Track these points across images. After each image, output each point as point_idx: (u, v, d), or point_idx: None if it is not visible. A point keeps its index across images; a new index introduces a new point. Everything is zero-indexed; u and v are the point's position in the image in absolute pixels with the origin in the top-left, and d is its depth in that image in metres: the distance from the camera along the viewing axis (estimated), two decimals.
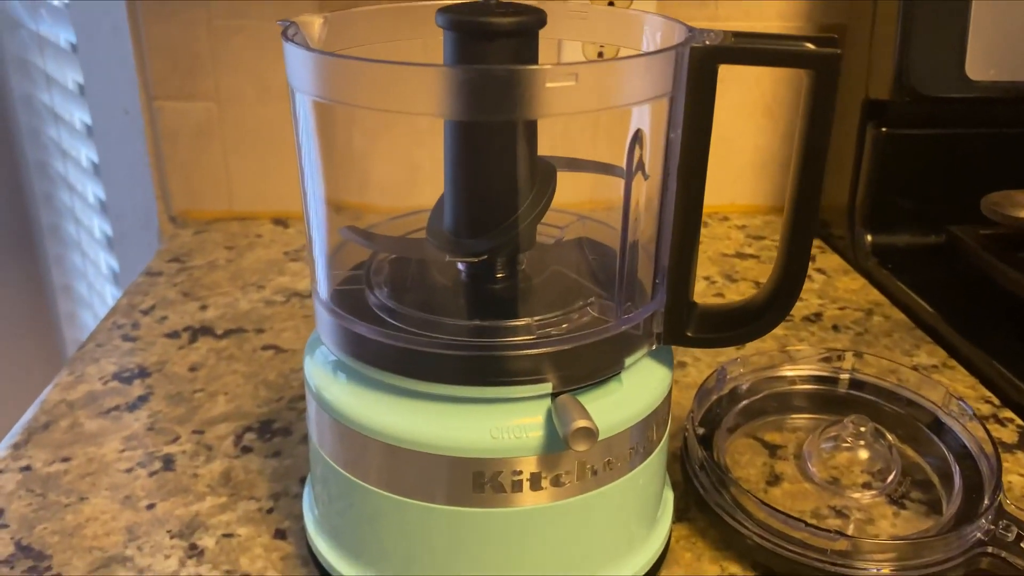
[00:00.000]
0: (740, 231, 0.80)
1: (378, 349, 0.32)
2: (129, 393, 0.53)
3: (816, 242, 0.78)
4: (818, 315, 0.64)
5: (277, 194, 0.80)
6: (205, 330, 0.61)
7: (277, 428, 0.50)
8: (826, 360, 0.51)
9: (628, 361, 0.33)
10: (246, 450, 0.48)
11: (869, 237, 0.72)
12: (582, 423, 0.29)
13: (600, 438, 0.31)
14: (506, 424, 0.31)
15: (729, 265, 0.72)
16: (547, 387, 0.32)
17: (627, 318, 0.33)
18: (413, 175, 0.37)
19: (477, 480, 0.32)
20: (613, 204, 0.41)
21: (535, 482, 0.32)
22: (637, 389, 0.34)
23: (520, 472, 0.31)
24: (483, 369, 0.32)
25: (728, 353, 0.57)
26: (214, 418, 0.51)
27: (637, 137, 0.30)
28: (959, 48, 0.66)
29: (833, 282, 0.70)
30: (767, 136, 0.81)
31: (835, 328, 0.62)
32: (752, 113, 0.80)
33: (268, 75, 0.76)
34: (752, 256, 0.74)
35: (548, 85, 0.26)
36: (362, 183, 0.37)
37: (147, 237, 0.86)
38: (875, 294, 0.68)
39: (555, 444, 0.31)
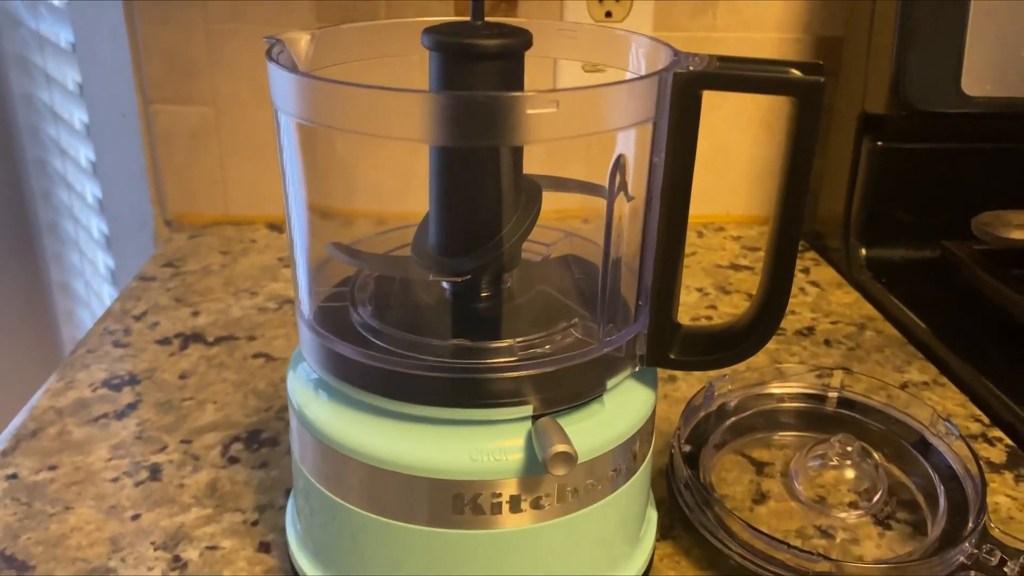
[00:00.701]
0: (735, 242, 0.79)
1: (360, 369, 0.32)
2: (118, 400, 0.53)
3: (810, 254, 0.78)
4: (810, 329, 0.64)
5: (273, 199, 0.80)
6: (196, 337, 0.61)
7: (265, 438, 0.50)
8: (818, 376, 0.51)
9: (610, 383, 0.33)
10: (233, 460, 0.48)
11: (863, 251, 0.72)
12: (561, 447, 0.29)
13: (581, 461, 0.31)
14: (486, 446, 0.31)
15: (723, 277, 0.72)
16: (528, 409, 0.32)
17: (609, 340, 0.33)
18: (397, 190, 0.37)
19: (457, 502, 0.32)
20: (601, 219, 0.41)
21: (515, 504, 0.32)
22: (619, 411, 0.34)
23: (499, 495, 0.31)
24: (464, 391, 0.32)
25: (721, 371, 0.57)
26: (202, 427, 0.51)
27: (619, 163, 0.30)
28: (956, 63, 0.66)
29: (827, 295, 0.70)
30: (763, 147, 0.81)
31: (827, 343, 0.62)
32: (749, 125, 0.80)
33: (264, 79, 0.75)
34: (747, 268, 0.74)
35: (529, 112, 0.26)
36: (345, 200, 0.37)
37: (143, 239, 0.86)
38: (868, 308, 0.68)
39: (535, 467, 0.31)
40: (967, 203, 0.69)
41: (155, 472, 0.47)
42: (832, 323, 0.65)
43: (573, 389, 0.32)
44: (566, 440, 0.30)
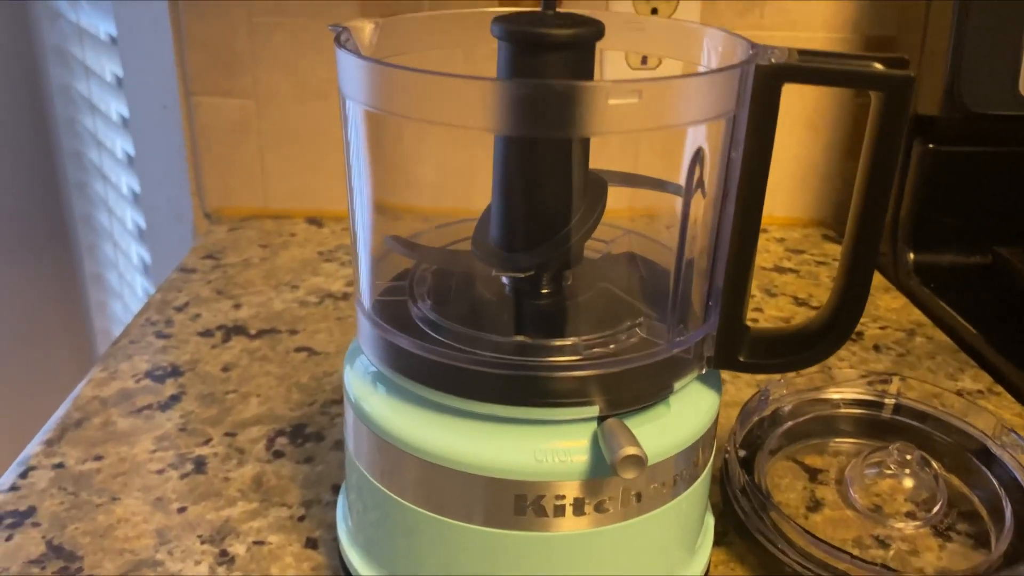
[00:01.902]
0: (779, 244, 0.78)
1: (420, 363, 0.32)
2: (161, 392, 0.53)
3: None
4: (859, 334, 0.63)
5: (312, 193, 0.80)
6: (238, 329, 0.60)
7: (309, 433, 0.49)
8: (870, 383, 0.50)
9: (677, 385, 0.32)
10: (278, 455, 0.48)
11: (912, 255, 0.70)
12: (631, 450, 0.28)
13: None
14: (550, 447, 0.30)
15: (768, 279, 0.71)
16: (593, 410, 0.31)
17: (679, 341, 0.32)
18: (462, 182, 0.36)
19: (519, 503, 0.31)
20: (659, 216, 0.40)
21: (578, 507, 0.31)
22: (685, 414, 0.33)
23: (563, 496, 0.31)
24: (527, 389, 0.31)
25: (769, 374, 0.55)
26: (246, 420, 0.50)
27: (698, 156, 0.29)
28: (1013, 63, 0.64)
29: (874, 300, 0.68)
30: (808, 148, 0.80)
31: (876, 348, 0.61)
32: (794, 125, 0.79)
33: (306, 73, 0.76)
34: (791, 270, 0.73)
35: (611, 102, 0.26)
36: (410, 189, 0.37)
37: (180, 231, 0.86)
38: (917, 314, 0.67)
39: (599, 469, 0.31)
40: (1021, 208, 0.68)
41: (200, 465, 0.47)
42: (881, 328, 0.64)
43: (640, 390, 0.31)
44: (635, 443, 0.29)
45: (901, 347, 0.61)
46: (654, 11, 0.74)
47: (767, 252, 0.77)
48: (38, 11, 1.30)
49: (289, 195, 0.80)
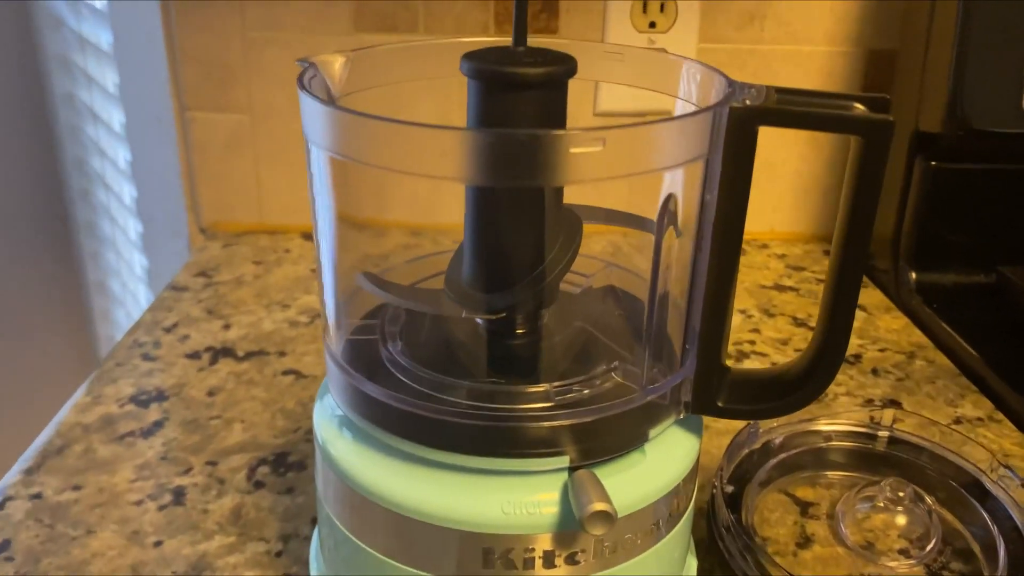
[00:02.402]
0: (779, 260, 0.77)
1: (388, 412, 0.31)
2: (145, 418, 0.52)
3: None
4: (857, 356, 0.62)
5: (307, 208, 0.79)
6: (226, 351, 0.60)
7: (292, 462, 0.49)
8: (865, 414, 0.49)
9: (652, 433, 0.31)
10: (259, 485, 0.47)
11: (913, 274, 0.69)
12: (599, 506, 0.27)
13: (620, 515, 0.30)
14: (519, 499, 0.30)
15: (767, 298, 0.70)
16: (564, 460, 0.30)
17: (653, 388, 0.31)
18: (431, 221, 0.35)
19: (487, 556, 0.30)
20: (643, 251, 0.39)
21: (548, 560, 0.30)
22: (662, 462, 0.32)
23: (532, 549, 0.30)
24: (497, 439, 0.30)
25: None
26: (229, 448, 0.50)
27: (668, 203, 0.28)
28: (1016, 80, 0.63)
29: (874, 320, 0.67)
30: (809, 163, 0.79)
31: (874, 372, 0.60)
32: (796, 140, 0.78)
33: None
34: (791, 288, 0.72)
35: (572, 151, 0.25)
36: (376, 234, 0.36)
37: (177, 244, 0.86)
38: (918, 335, 0.65)
39: (571, 521, 0.30)
40: None
41: (179, 496, 0.46)
42: (880, 351, 0.63)
43: (613, 439, 0.30)
44: (605, 497, 0.28)
45: (900, 371, 0.60)
46: (652, 24, 0.73)
47: (767, 269, 0.75)
48: (41, 19, 1.30)
49: (285, 210, 0.79)
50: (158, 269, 1.00)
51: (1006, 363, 0.59)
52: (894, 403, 0.56)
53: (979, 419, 0.55)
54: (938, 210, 0.68)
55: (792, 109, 0.28)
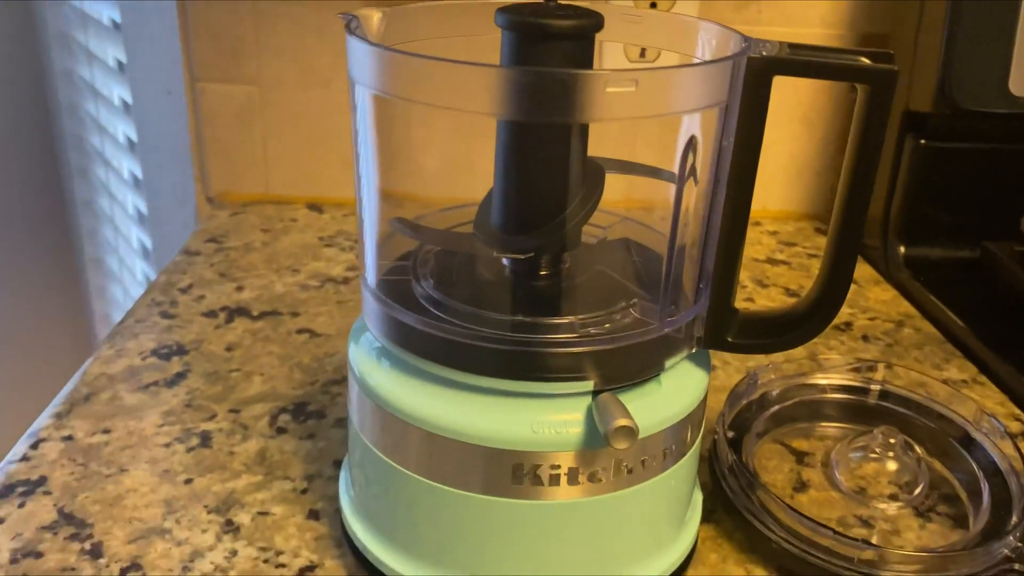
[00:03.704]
0: (772, 237, 0.80)
1: (423, 338, 0.33)
2: (167, 369, 0.54)
3: None
4: (848, 324, 0.64)
5: (313, 179, 0.81)
6: (241, 311, 0.62)
7: (311, 411, 0.51)
8: (857, 370, 0.51)
9: (668, 363, 0.34)
10: (281, 431, 0.49)
11: (902, 248, 0.72)
12: (623, 422, 0.30)
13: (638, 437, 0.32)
14: (547, 419, 0.32)
15: (760, 270, 0.73)
16: (588, 385, 0.32)
17: (670, 321, 0.33)
18: (466, 167, 0.37)
19: (516, 472, 0.32)
20: (653, 205, 0.42)
21: (572, 477, 0.32)
22: (675, 391, 0.34)
23: (558, 466, 0.32)
24: (526, 364, 0.32)
25: (757, 359, 0.57)
26: (250, 398, 0.52)
27: (691, 144, 0.31)
28: (1004, 63, 0.66)
29: (864, 292, 0.70)
30: (802, 143, 0.81)
31: (864, 338, 0.63)
32: (789, 120, 0.80)
33: (310, 61, 0.77)
34: (783, 262, 0.75)
35: (608, 90, 0.27)
36: (415, 174, 0.38)
37: (183, 216, 0.88)
38: (906, 306, 0.68)
39: (593, 441, 0.32)
40: (1009, 204, 0.69)
41: (205, 439, 0.48)
42: (870, 319, 0.65)
43: (633, 367, 0.33)
44: (628, 415, 0.30)
45: (889, 337, 0.63)
46: (653, 5, 0.76)
47: (760, 244, 0.78)
48: None
49: (291, 181, 0.81)
50: (162, 242, 1.02)
51: (989, 330, 0.62)
52: (887, 364, 0.59)
53: (964, 381, 0.58)
54: (926, 188, 0.71)
55: (805, 58, 0.30)
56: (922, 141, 0.70)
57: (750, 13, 0.77)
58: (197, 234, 0.75)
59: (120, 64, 1.11)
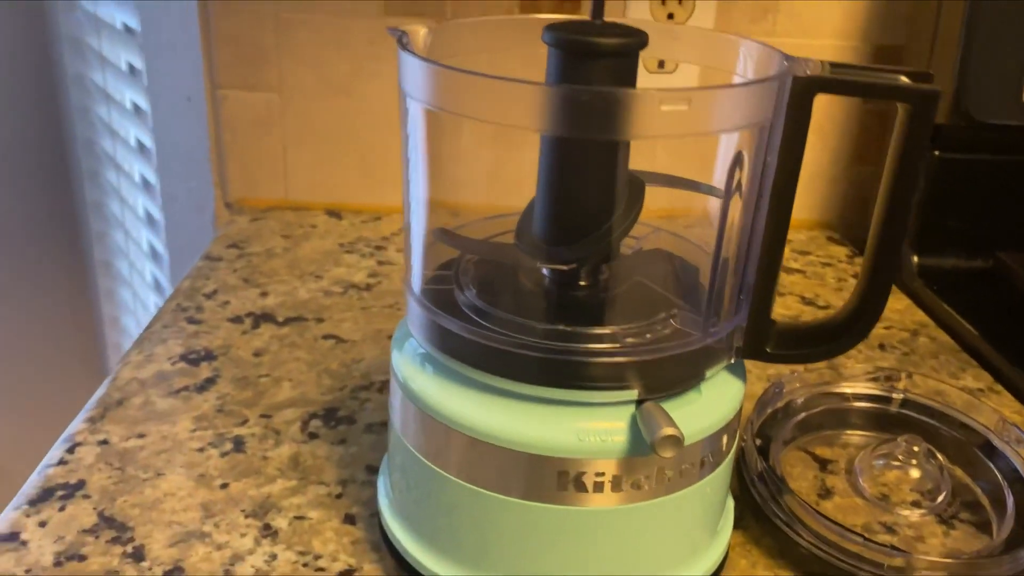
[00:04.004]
0: (787, 245, 0.80)
1: (467, 345, 0.34)
2: (197, 374, 0.55)
3: (860, 261, 0.79)
4: None
5: (331, 185, 0.82)
6: (267, 317, 0.62)
7: (341, 416, 0.52)
8: (877, 379, 0.52)
9: (708, 373, 0.35)
10: (312, 436, 0.50)
11: (916, 258, 0.73)
12: (670, 431, 0.31)
13: None
14: (592, 427, 0.33)
15: None
16: (632, 394, 0.33)
17: (713, 332, 0.34)
18: (509, 177, 0.38)
19: (561, 479, 0.33)
20: (686, 215, 0.43)
21: (616, 484, 0.33)
22: (714, 400, 0.35)
23: (603, 474, 0.33)
24: (569, 373, 0.33)
25: (777, 367, 0.58)
26: (280, 403, 0.52)
27: (738, 160, 0.31)
28: (1018, 75, 0.67)
29: None
30: (815, 152, 0.82)
31: (881, 347, 0.63)
32: None
33: (329, 69, 0.78)
34: (798, 271, 0.75)
35: (663, 108, 0.28)
36: (462, 183, 0.39)
37: (199, 221, 0.88)
38: (920, 315, 0.69)
39: (637, 448, 0.33)
40: (1022, 215, 0.70)
41: (239, 444, 0.49)
42: (885, 328, 0.66)
43: (675, 376, 0.34)
44: (673, 424, 0.31)
45: (905, 346, 0.64)
46: (670, 16, 0.77)
47: None
48: (54, 1, 1.31)
49: (309, 187, 0.82)
50: (176, 247, 1.02)
51: (1004, 340, 0.63)
52: (908, 373, 0.59)
53: (980, 390, 0.59)
54: (941, 198, 0.72)
55: (848, 78, 0.31)
56: (937, 153, 0.71)
57: (766, 24, 0.78)
58: (218, 240, 0.75)
59: (132, 68, 1.12)
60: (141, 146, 1.16)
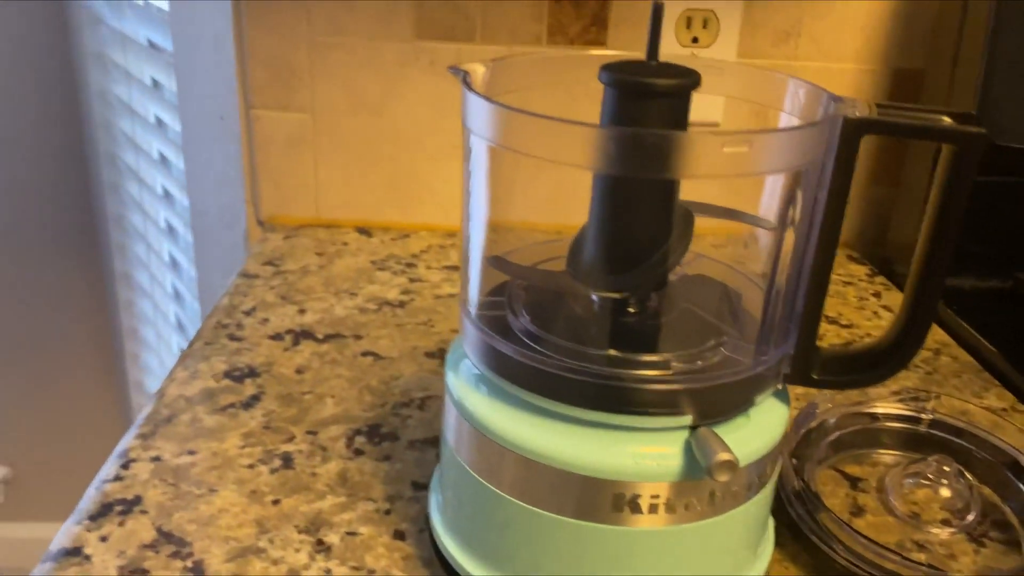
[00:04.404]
0: None
1: (521, 368, 0.35)
2: (242, 391, 0.56)
3: (879, 279, 0.80)
4: None
5: (362, 204, 0.84)
6: (306, 334, 0.64)
7: (385, 433, 0.53)
8: (905, 400, 0.53)
9: (758, 399, 0.36)
10: (358, 452, 0.51)
11: None
12: (726, 456, 0.32)
13: None
14: (648, 451, 0.34)
15: None
16: (685, 420, 0.34)
17: (764, 360, 0.35)
18: (564, 205, 0.40)
19: (616, 501, 0.34)
20: (715, 235, 0.44)
21: (669, 506, 0.35)
22: (762, 425, 0.36)
23: (658, 496, 0.34)
24: (623, 399, 0.35)
25: (807, 389, 0.59)
26: (325, 420, 0.54)
27: (792, 197, 0.33)
28: None
29: None
30: None
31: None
32: None
33: (360, 90, 0.79)
34: None
35: (726, 150, 0.29)
36: (518, 212, 0.40)
37: (231, 237, 0.90)
38: (940, 334, 0.70)
39: (691, 472, 0.34)
40: None
41: (287, 461, 0.50)
42: None
43: (728, 403, 0.35)
44: (728, 450, 0.32)
45: (928, 365, 0.65)
46: (695, 40, 0.78)
47: None
48: (79, 17, 1.33)
49: (340, 205, 0.84)
50: (205, 263, 1.04)
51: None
52: (936, 394, 0.61)
53: (1004, 410, 0.60)
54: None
55: (895, 120, 0.32)
56: None
57: (788, 48, 0.80)
58: (253, 257, 0.77)
59: (155, 82, 1.14)
60: (163, 158, 1.18)
